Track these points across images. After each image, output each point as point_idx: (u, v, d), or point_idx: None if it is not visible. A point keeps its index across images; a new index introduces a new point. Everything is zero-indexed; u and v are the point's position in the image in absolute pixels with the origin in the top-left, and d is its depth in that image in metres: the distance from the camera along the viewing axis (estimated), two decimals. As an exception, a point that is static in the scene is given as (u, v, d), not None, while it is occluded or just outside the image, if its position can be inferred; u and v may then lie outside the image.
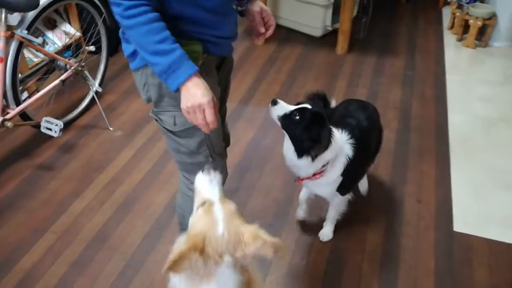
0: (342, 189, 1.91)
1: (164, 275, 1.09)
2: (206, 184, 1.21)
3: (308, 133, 1.65)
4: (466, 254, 2.06)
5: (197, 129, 1.43)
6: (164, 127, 1.46)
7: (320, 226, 2.17)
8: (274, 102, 1.70)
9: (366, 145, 1.96)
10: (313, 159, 1.69)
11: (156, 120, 1.47)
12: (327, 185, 1.86)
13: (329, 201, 2.03)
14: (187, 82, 1.20)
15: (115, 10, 1.18)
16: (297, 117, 1.66)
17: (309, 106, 1.68)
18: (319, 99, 1.80)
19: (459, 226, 2.19)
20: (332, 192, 1.92)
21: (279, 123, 1.72)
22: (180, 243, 1.04)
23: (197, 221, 1.14)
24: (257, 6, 1.52)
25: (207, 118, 1.24)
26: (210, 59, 1.40)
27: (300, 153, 1.68)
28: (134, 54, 1.35)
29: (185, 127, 1.42)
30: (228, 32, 1.42)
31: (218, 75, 1.52)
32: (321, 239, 2.12)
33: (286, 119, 1.69)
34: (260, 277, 1.24)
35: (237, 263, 1.06)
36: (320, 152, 1.69)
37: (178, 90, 1.23)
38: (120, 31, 1.37)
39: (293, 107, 1.69)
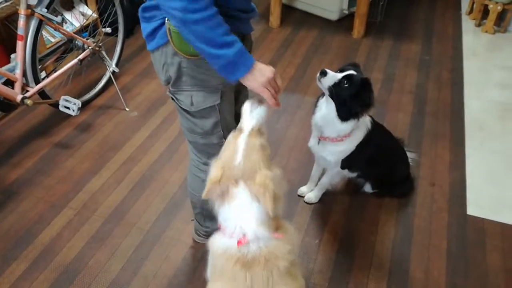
0: (345, 161, 1.99)
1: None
2: (247, 112, 1.25)
3: (358, 97, 1.73)
4: (479, 237, 2.07)
5: (213, 110, 1.44)
6: (181, 107, 1.46)
7: (332, 209, 2.19)
8: (324, 73, 1.73)
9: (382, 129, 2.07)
10: (358, 120, 1.80)
11: (173, 99, 1.46)
12: (340, 152, 1.94)
13: (328, 169, 2.13)
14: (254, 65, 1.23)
15: (177, 5, 1.10)
16: (346, 85, 1.72)
17: (354, 72, 1.74)
18: (357, 67, 1.85)
19: (472, 209, 2.19)
20: (338, 161, 1.99)
21: (327, 92, 1.77)
22: (212, 168, 1.19)
23: (225, 146, 1.25)
24: None
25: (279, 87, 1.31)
26: None
27: (348, 116, 1.77)
28: (153, 33, 1.32)
29: (201, 107, 1.42)
30: (249, 3, 1.38)
31: None
32: (304, 199, 2.23)
33: (335, 87, 1.74)
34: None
35: (252, 192, 1.15)
36: (366, 113, 1.80)
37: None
38: (140, 9, 1.32)
39: (340, 75, 1.74)
